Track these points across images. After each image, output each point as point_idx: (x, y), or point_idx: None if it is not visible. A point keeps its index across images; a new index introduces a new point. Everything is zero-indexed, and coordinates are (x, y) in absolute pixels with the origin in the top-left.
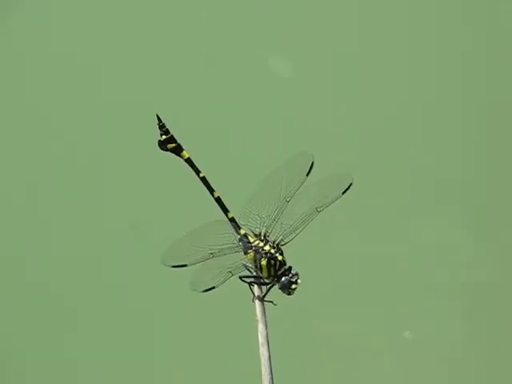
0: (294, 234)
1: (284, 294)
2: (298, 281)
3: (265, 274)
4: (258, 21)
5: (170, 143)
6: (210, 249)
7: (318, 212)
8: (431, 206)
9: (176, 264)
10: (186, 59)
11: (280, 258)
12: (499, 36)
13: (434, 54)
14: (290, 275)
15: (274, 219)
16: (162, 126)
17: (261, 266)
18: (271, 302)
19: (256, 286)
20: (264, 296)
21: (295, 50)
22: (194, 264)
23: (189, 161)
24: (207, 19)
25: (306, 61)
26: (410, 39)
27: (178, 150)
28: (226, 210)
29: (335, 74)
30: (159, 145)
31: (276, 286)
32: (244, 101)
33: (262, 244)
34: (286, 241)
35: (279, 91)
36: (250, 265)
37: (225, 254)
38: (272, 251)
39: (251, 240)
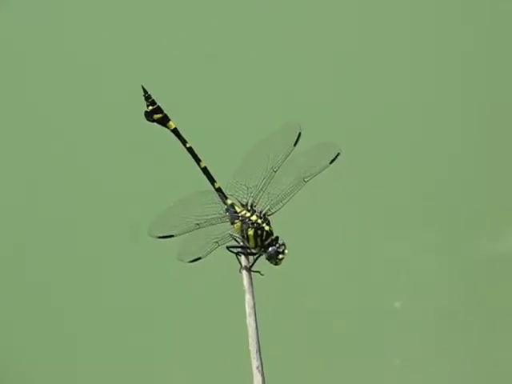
0: (281, 204)
1: (271, 264)
2: (285, 251)
3: (252, 244)
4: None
5: (156, 113)
6: (197, 219)
7: (305, 182)
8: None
9: (163, 235)
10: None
11: (267, 228)
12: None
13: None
14: (277, 245)
15: (261, 189)
16: (147, 97)
17: (248, 236)
18: (258, 272)
19: (243, 256)
20: (251, 266)
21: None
22: (181, 234)
23: (175, 131)
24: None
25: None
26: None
27: (164, 121)
28: (212, 181)
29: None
30: (145, 115)
31: (263, 256)
32: (232, 73)
33: (248, 214)
34: (272, 211)
35: (271, 63)
36: (236, 235)
37: (211, 225)
38: (259, 221)
39: (238, 210)
